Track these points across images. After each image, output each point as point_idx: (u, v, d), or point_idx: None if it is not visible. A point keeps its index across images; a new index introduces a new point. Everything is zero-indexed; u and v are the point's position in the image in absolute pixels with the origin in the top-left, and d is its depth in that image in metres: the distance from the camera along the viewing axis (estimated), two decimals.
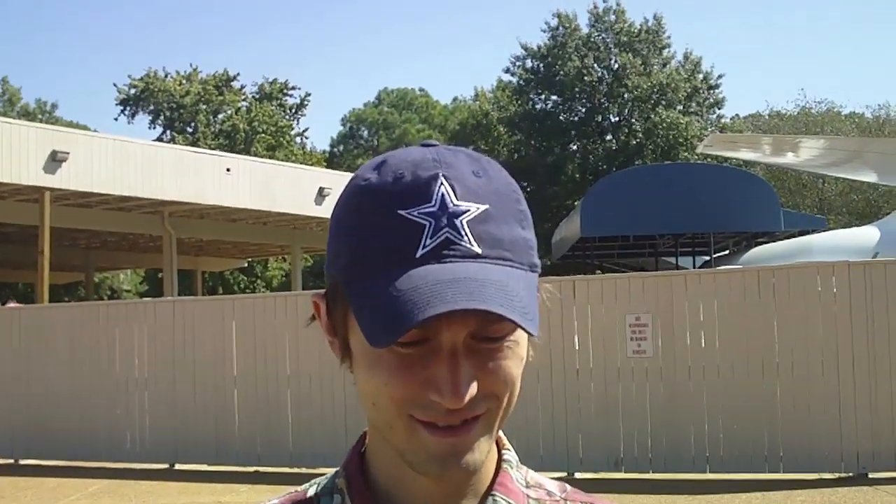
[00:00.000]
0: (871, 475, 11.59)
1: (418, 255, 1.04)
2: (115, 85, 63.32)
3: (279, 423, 13.99)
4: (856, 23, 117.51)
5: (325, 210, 30.20)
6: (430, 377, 1.04)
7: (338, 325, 1.15)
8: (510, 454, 1.23)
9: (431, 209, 1.06)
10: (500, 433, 1.21)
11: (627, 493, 11.26)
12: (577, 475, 12.48)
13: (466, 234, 1.06)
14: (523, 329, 1.02)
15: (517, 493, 1.20)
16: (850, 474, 11.66)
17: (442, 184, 1.08)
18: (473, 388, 1.05)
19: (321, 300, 1.18)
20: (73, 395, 15.07)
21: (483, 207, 1.08)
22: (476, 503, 1.17)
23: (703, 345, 12.43)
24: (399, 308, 1.01)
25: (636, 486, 11.76)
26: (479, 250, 1.05)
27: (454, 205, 1.07)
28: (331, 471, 1.28)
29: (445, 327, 1.03)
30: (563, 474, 12.47)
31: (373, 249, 1.06)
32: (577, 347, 12.83)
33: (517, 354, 1.10)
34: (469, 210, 1.07)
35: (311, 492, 1.25)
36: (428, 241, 1.04)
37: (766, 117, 61.53)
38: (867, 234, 25.02)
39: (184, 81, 62.66)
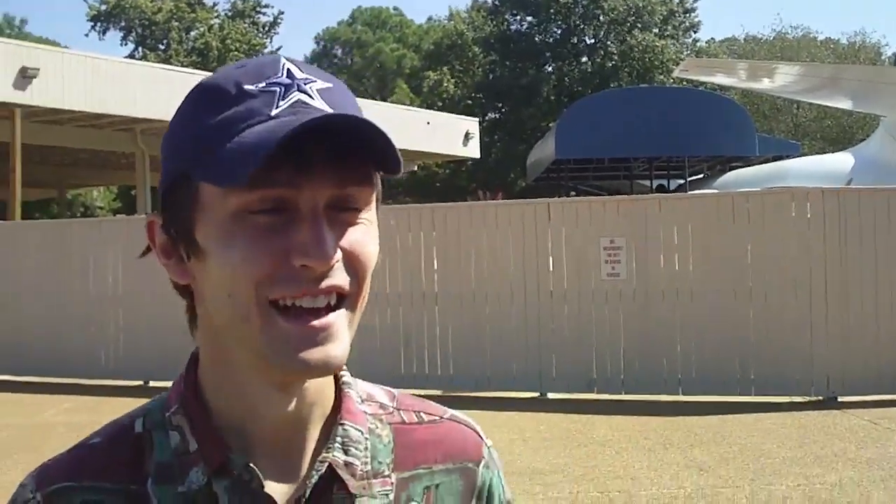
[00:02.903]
0: (840, 399, 11.74)
1: (273, 113, 1.01)
2: (85, 0, 61.97)
3: None
4: None
5: None
6: (293, 244, 1.00)
7: (180, 228, 1.06)
8: (347, 374, 1.18)
9: (279, 79, 1.04)
10: None
11: (600, 413, 11.38)
12: (550, 395, 12.60)
13: (317, 97, 1.04)
14: (392, 157, 1.01)
15: (359, 414, 1.16)
16: (820, 398, 11.82)
17: (285, 63, 1.06)
18: (338, 254, 1.01)
19: (158, 217, 1.11)
20: (47, 312, 14.99)
21: (329, 84, 1.07)
22: (321, 428, 1.13)
23: (677, 268, 12.49)
24: (260, 136, 0.98)
25: (609, 407, 11.87)
26: (331, 110, 1.02)
27: (301, 76, 1.05)
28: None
29: (307, 182, 1.00)
30: (536, 394, 12.60)
31: (224, 122, 1.01)
32: (551, 269, 12.87)
33: (372, 235, 1.07)
34: (316, 81, 1.06)
35: (138, 425, 1.14)
36: (281, 103, 1.02)
37: (742, 42, 61.53)
38: (842, 161, 25.17)
39: None
